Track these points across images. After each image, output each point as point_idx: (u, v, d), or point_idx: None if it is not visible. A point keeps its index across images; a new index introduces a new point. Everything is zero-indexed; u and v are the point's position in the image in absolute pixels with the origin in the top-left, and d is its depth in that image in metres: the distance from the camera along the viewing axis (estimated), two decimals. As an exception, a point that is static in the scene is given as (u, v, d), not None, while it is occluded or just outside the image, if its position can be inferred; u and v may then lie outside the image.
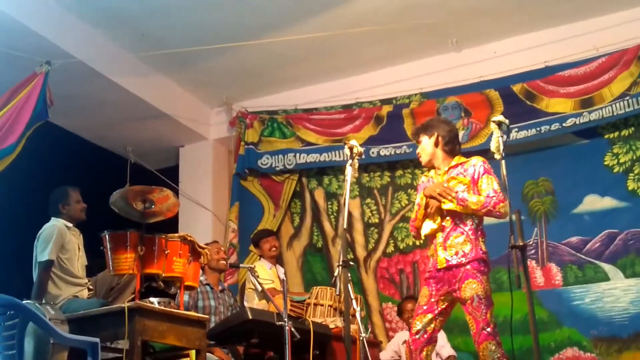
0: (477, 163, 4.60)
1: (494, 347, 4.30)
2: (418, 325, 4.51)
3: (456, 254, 4.45)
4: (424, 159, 4.74)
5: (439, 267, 4.50)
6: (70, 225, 5.16)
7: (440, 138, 4.70)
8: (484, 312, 4.34)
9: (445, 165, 4.67)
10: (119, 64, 7.08)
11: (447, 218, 4.51)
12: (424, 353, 4.49)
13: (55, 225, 5.05)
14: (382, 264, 7.42)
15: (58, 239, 4.95)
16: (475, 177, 4.55)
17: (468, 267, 4.40)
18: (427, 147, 4.72)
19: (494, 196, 4.43)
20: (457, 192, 4.46)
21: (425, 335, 4.48)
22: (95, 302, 4.86)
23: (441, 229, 4.52)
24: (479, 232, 4.52)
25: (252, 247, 7.52)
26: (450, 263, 4.45)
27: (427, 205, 4.54)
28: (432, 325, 4.50)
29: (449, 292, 4.47)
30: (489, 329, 4.32)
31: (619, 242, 6.50)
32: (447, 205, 4.45)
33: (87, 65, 6.62)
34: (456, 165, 4.65)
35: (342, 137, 7.48)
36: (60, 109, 6.46)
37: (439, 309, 4.50)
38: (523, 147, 6.86)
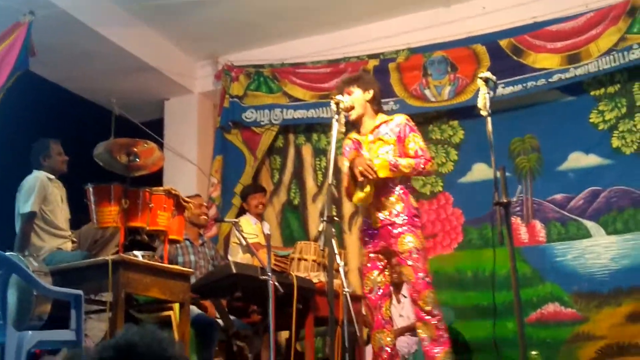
0: (401, 122, 4.68)
1: (432, 295, 4.49)
2: (369, 283, 4.65)
3: (390, 213, 4.56)
4: (355, 112, 4.69)
5: (374, 225, 4.61)
6: (53, 177, 5.12)
7: (374, 95, 4.74)
8: (422, 262, 4.51)
9: (370, 124, 4.71)
10: (103, 14, 6.98)
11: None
12: (383, 308, 4.63)
13: (37, 177, 5.01)
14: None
15: (40, 190, 4.92)
16: (402, 136, 4.63)
17: (402, 223, 4.53)
18: (360, 100, 4.70)
19: (422, 155, 4.57)
20: (390, 161, 4.49)
21: (380, 292, 4.62)
22: (78, 255, 4.86)
23: (372, 191, 4.56)
24: (409, 189, 4.65)
25: (235, 201, 7.51)
26: (384, 222, 4.57)
27: (354, 175, 4.54)
28: (382, 279, 4.63)
29: (384, 247, 4.58)
30: (427, 279, 4.49)
31: (602, 200, 6.55)
32: (380, 174, 4.49)
33: (71, 15, 6.52)
34: (380, 124, 4.69)
35: (329, 92, 7.41)
36: (44, 60, 6.38)
37: (382, 263, 4.63)
38: (509, 103, 6.84)
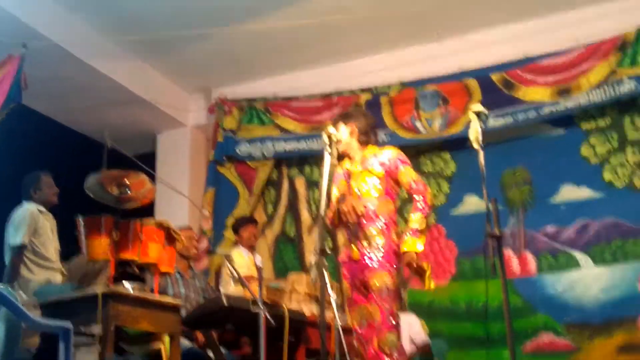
0: (392, 156, 4.68)
1: (394, 338, 4.41)
2: (356, 317, 4.59)
3: (369, 245, 4.50)
4: (341, 147, 4.71)
5: (354, 257, 4.57)
6: (43, 209, 5.11)
7: (356, 129, 4.75)
8: (391, 303, 4.43)
9: (359, 154, 4.73)
10: (96, 48, 7.01)
11: (363, 211, 4.53)
12: (375, 342, 4.50)
13: (28, 209, 5.00)
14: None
15: (31, 222, 4.90)
16: (393, 169, 4.63)
17: (380, 259, 4.47)
18: (343, 135, 4.73)
19: (416, 188, 4.55)
20: (414, 232, 4.46)
21: (366, 324, 4.53)
22: (68, 287, 4.82)
23: (358, 218, 4.55)
24: (392, 224, 4.59)
25: (227, 233, 7.48)
26: (363, 254, 4.52)
27: (341, 212, 4.56)
28: (369, 313, 4.53)
29: (363, 281, 4.52)
30: (393, 321, 4.42)
31: (592, 232, 6.57)
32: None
33: (63, 48, 6.57)
34: (370, 157, 4.70)
35: (321, 124, 7.44)
36: (36, 93, 6.39)
37: (364, 296, 4.55)
38: (500, 136, 6.88)
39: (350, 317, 4.66)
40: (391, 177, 4.63)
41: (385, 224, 4.56)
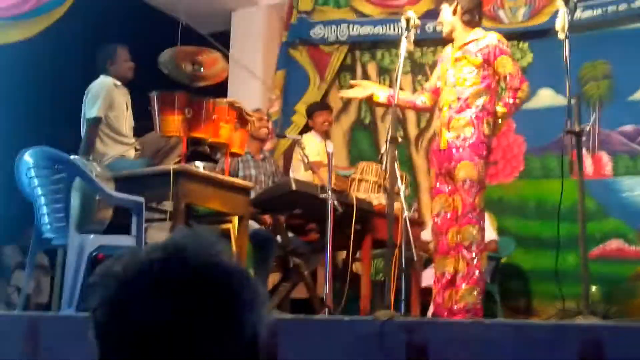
0: (491, 43, 4.46)
1: (475, 232, 4.34)
2: (436, 207, 4.54)
3: (457, 136, 4.39)
4: (444, 30, 4.59)
5: (441, 147, 4.48)
6: (119, 83, 5.11)
7: (459, 7, 4.52)
8: (473, 196, 4.33)
9: (462, 38, 4.53)
10: None
11: (457, 97, 4.42)
12: (449, 234, 4.48)
13: (104, 82, 5.01)
14: (435, 141, 7.18)
15: (106, 96, 4.92)
16: (491, 59, 4.43)
17: (467, 148, 4.35)
18: (446, 16, 4.56)
19: (510, 82, 4.40)
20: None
21: (448, 216, 4.48)
22: (141, 162, 4.88)
23: (449, 106, 4.45)
24: (485, 113, 4.41)
25: (295, 118, 7.44)
26: (450, 144, 4.41)
27: None
28: (450, 205, 4.48)
29: (449, 171, 4.43)
30: (474, 213, 4.33)
31: (675, 134, 6.30)
32: None
33: None
34: (470, 42, 4.49)
35: (398, 8, 7.22)
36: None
37: (450, 187, 4.47)
38: (583, 27, 6.50)
39: (432, 206, 4.61)
40: (490, 65, 4.44)
41: (476, 113, 4.40)
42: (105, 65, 5.13)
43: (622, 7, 6.44)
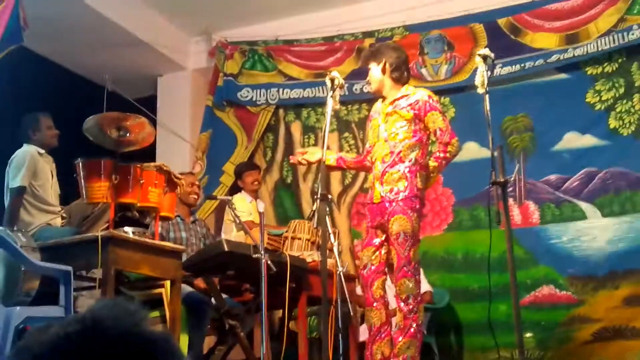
0: (422, 98, 4.55)
1: (411, 285, 4.37)
2: (364, 259, 4.57)
3: (390, 190, 4.45)
4: (373, 87, 4.68)
5: (374, 200, 4.53)
6: (43, 151, 5.04)
7: (387, 65, 4.61)
8: (408, 249, 4.38)
9: (392, 94, 4.62)
10: (95, -13, 6.87)
11: (389, 151, 4.51)
12: (374, 286, 4.53)
13: (27, 151, 4.93)
14: (359, 199, 7.19)
15: (30, 165, 4.84)
16: (422, 113, 4.52)
17: (400, 202, 4.41)
18: (375, 74, 4.64)
19: (441, 136, 4.50)
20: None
21: (373, 268, 4.52)
22: (68, 231, 4.79)
23: (382, 160, 4.52)
24: (418, 167, 4.50)
25: (223, 179, 7.43)
26: (384, 198, 4.46)
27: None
28: (376, 256, 4.52)
29: (382, 224, 4.48)
30: (409, 267, 4.37)
31: (598, 181, 6.46)
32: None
33: (61, -13, 6.43)
34: (401, 97, 4.59)
35: (324, 70, 7.32)
36: (34, 32, 6.24)
37: (380, 240, 4.52)
38: (503, 81, 6.72)
39: (360, 257, 4.63)
40: (420, 120, 4.52)
41: (409, 167, 4.47)
42: (28, 133, 5.06)
43: (539, 62, 6.67)
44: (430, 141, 4.68)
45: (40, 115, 5.15)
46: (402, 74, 4.66)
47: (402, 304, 4.37)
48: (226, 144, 7.75)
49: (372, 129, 4.68)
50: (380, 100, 4.73)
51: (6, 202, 4.86)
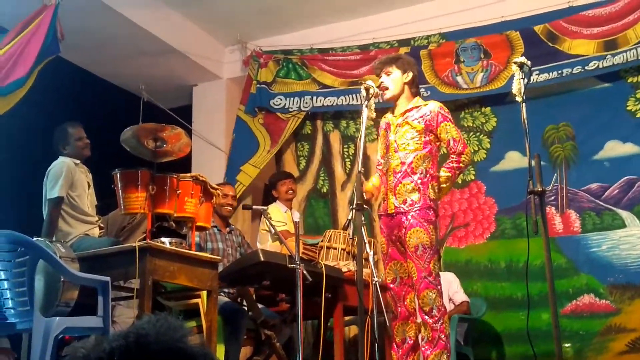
0: (434, 109, 4.56)
1: (433, 296, 4.35)
2: (391, 273, 4.56)
3: (404, 202, 4.45)
4: (391, 92, 4.64)
5: (388, 211, 4.51)
6: (78, 162, 5.08)
7: (414, 78, 4.65)
8: (428, 261, 4.37)
9: (403, 105, 4.62)
10: (131, -2, 6.94)
11: (400, 162, 4.50)
12: (407, 299, 4.54)
13: (64, 162, 4.98)
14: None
15: (67, 175, 4.88)
16: (434, 124, 4.52)
17: (415, 215, 4.40)
18: (398, 81, 4.63)
19: (454, 147, 4.50)
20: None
21: (404, 281, 4.52)
22: (106, 241, 4.82)
23: (393, 172, 4.51)
24: (429, 178, 4.50)
25: (240, 177, 7.42)
26: (397, 210, 4.46)
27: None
28: (405, 270, 4.52)
29: (399, 237, 4.48)
30: (430, 278, 4.36)
31: (638, 189, 6.40)
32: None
33: (98, -2, 6.50)
34: (412, 108, 4.59)
35: (358, 78, 7.34)
36: (71, 44, 6.34)
37: (400, 252, 4.52)
38: (544, 90, 6.70)
39: (385, 272, 4.62)
40: (431, 132, 4.53)
41: (420, 179, 4.47)
42: (58, 147, 5.11)
43: (577, 69, 6.58)
44: (440, 152, 4.70)
45: (68, 128, 5.16)
46: (417, 89, 4.74)
47: (426, 317, 4.36)
48: (248, 146, 7.76)
49: (382, 140, 4.69)
50: (390, 111, 4.73)
51: (44, 213, 4.91)
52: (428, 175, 4.49)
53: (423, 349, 4.39)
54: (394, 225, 4.50)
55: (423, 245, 4.36)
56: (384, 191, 4.60)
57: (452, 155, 4.54)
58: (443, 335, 4.35)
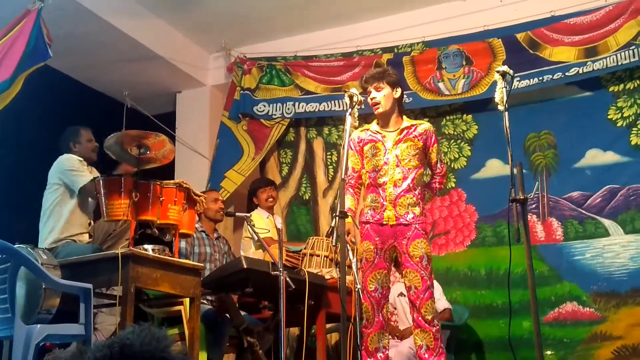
0: (429, 130, 4.74)
1: (435, 306, 4.56)
2: (374, 281, 4.59)
3: (407, 213, 4.55)
4: (382, 107, 4.70)
5: (389, 223, 4.56)
6: (83, 161, 5.12)
7: (402, 94, 4.80)
8: (430, 272, 4.52)
9: (396, 124, 4.72)
10: (114, 4, 6.90)
11: (403, 176, 4.60)
12: (384, 309, 4.63)
13: (72, 156, 5.04)
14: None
15: (81, 167, 4.95)
16: (429, 144, 4.72)
17: (418, 226, 4.54)
18: (389, 97, 4.71)
19: (439, 171, 4.82)
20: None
21: (384, 292, 4.60)
22: (89, 248, 4.81)
23: (394, 184, 4.59)
24: (423, 193, 4.72)
25: (225, 184, 7.43)
26: (400, 221, 4.54)
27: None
28: (386, 281, 4.61)
29: (393, 246, 4.56)
30: (432, 288, 4.53)
31: (620, 198, 6.43)
32: None
33: (81, 4, 6.46)
34: (411, 127, 4.71)
35: (342, 85, 7.36)
36: (55, 51, 6.24)
37: (388, 263, 4.61)
38: (525, 98, 6.72)
39: (367, 279, 4.61)
40: (423, 151, 4.69)
41: (420, 194, 4.64)
42: (69, 145, 5.14)
43: (558, 75, 6.62)
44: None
45: (82, 128, 5.25)
46: (403, 107, 4.89)
47: (427, 325, 4.45)
48: (231, 153, 7.74)
49: (373, 152, 4.70)
50: (375, 123, 4.80)
51: (41, 219, 4.89)
52: (423, 191, 4.70)
53: (425, 356, 4.44)
54: (389, 235, 4.56)
55: (427, 255, 4.52)
56: (379, 201, 4.62)
57: (436, 177, 4.81)
58: (441, 344, 4.48)
